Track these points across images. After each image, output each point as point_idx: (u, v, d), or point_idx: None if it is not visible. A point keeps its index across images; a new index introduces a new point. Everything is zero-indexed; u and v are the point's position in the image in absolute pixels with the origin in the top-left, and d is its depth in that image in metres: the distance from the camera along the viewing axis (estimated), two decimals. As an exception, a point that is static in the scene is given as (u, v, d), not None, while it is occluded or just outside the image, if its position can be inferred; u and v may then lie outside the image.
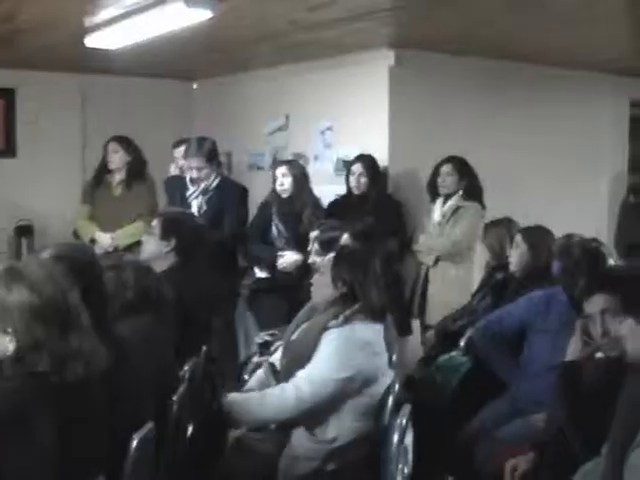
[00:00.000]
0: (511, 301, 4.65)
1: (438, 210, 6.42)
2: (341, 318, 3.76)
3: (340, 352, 3.68)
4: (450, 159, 6.40)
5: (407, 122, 6.85)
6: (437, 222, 6.39)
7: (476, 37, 6.26)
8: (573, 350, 3.53)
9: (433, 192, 6.48)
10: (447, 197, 6.40)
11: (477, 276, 6.06)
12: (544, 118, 7.77)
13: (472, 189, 6.40)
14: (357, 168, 6.50)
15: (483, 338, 4.63)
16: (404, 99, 6.84)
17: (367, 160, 6.51)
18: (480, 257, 6.10)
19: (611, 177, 8.64)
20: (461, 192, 6.37)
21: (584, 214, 8.04)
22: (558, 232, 5.62)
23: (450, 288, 6.18)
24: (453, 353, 4.90)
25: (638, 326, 2.70)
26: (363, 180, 6.46)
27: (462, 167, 6.38)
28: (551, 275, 4.62)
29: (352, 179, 6.50)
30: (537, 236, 5.13)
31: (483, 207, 6.41)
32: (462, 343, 4.91)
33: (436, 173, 6.44)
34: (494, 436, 4.23)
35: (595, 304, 3.06)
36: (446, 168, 6.39)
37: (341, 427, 3.72)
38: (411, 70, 6.80)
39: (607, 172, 8.60)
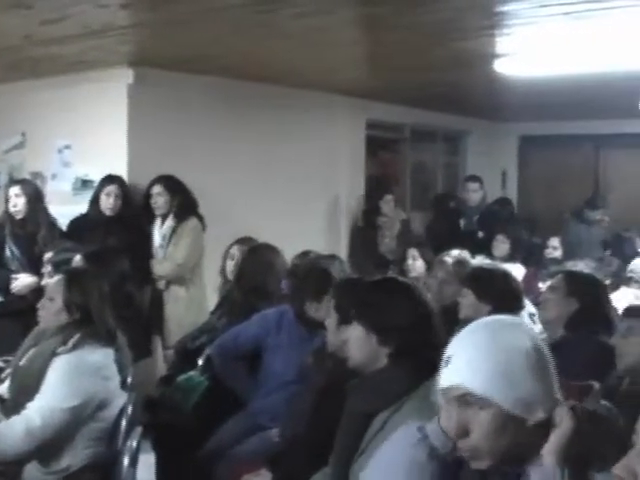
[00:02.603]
0: (246, 318, 4.70)
1: (157, 232, 6.39)
2: (70, 344, 3.66)
3: (70, 379, 3.56)
4: (159, 179, 6.37)
5: (146, 140, 6.78)
6: (159, 245, 6.36)
7: (211, 57, 6.30)
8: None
9: (149, 214, 6.42)
10: (164, 217, 6.37)
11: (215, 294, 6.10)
12: (282, 138, 7.95)
13: (186, 206, 6.39)
14: (113, 189, 6.32)
15: (220, 356, 4.65)
16: (143, 117, 6.78)
17: (122, 180, 6.40)
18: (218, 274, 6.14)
19: (348, 197, 8.93)
20: (175, 210, 6.34)
21: (322, 233, 8.31)
22: (295, 251, 5.80)
23: (185, 308, 6.20)
24: (192, 372, 4.89)
25: (366, 334, 2.79)
26: (119, 202, 6.31)
27: (172, 185, 6.37)
28: (281, 292, 4.75)
29: (106, 200, 6.31)
30: (262, 254, 5.26)
31: (201, 221, 6.42)
32: (200, 362, 4.91)
33: (148, 195, 6.40)
34: (232, 453, 4.26)
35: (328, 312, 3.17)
36: (156, 189, 6.36)
37: (75, 455, 3.61)
38: (150, 88, 6.75)
39: (344, 192, 8.89)
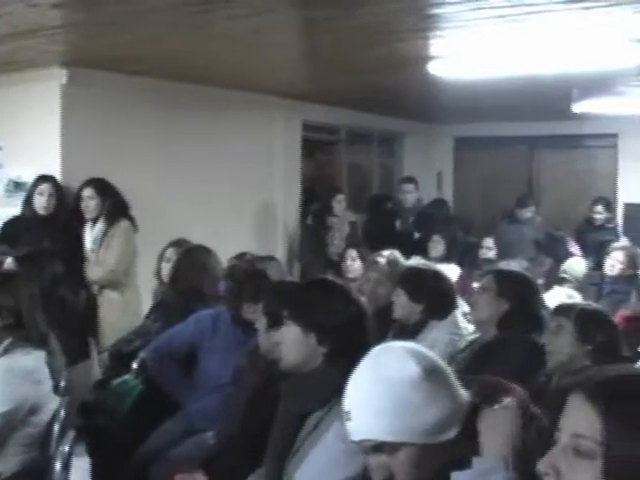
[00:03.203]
0: (182, 321, 4.68)
1: (89, 235, 6.33)
2: (0, 349, 3.61)
3: (2, 385, 3.52)
4: (89, 182, 6.30)
5: (80, 142, 6.69)
6: (90, 249, 6.29)
7: (146, 57, 6.25)
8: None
9: (79, 218, 6.34)
10: (95, 220, 6.32)
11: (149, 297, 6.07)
12: (217, 139, 7.95)
13: (117, 208, 6.33)
14: (46, 188, 6.24)
15: (154, 359, 4.63)
16: (77, 118, 6.69)
17: (55, 180, 6.31)
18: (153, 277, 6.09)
19: (284, 198, 8.94)
20: (106, 213, 6.28)
21: (257, 234, 8.31)
22: (230, 252, 5.80)
23: (119, 312, 6.14)
24: (127, 376, 4.85)
25: (304, 334, 2.79)
26: (52, 201, 6.24)
27: (103, 188, 6.30)
28: (218, 295, 4.74)
29: (40, 199, 6.22)
30: (198, 256, 5.25)
31: (133, 223, 6.36)
32: (135, 365, 4.87)
33: (78, 198, 6.33)
34: (168, 456, 4.24)
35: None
36: (87, 192, 6.29)
37: (6, 461, 3.55)
38: (84, 89, 6.67)
39: (280, 193, 8.89)
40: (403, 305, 4.37)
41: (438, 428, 1.95)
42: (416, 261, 5.53)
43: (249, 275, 4.57)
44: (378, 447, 1.99)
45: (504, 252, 8.46)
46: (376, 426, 1.97)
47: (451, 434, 1.96)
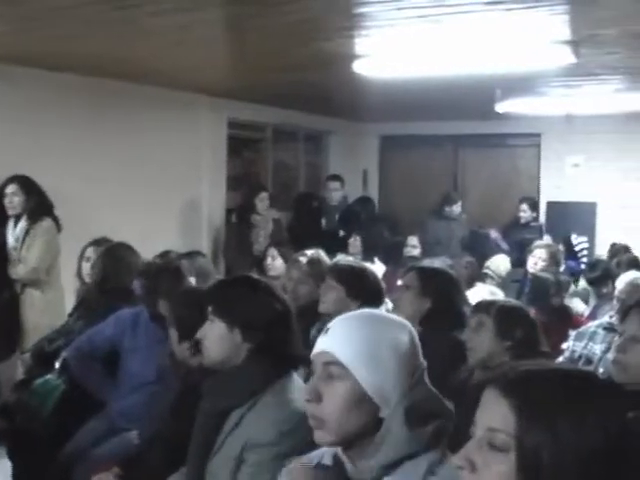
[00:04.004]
0: (104, 320, 4.64)
1: (10, 234, 6.24)
2: None
3: None
4: (14, 178, 6.21)
5: (2, 139, 6.56)
6: (12, 247, 6.20)
7: (69, 54, 6.16)
8: None
9: (2, 215, 6.26)
10: (17, 218, 6.23)
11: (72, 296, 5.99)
12: (142, 137, 7.89)
13: (41, 207, 6.24)
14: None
15: (76, 358, 4.58)
16: (-1, 115, 6.59)
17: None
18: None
19: (210, 196, 8.91)
20: (29, 211, 6.19)
21: (182, 232, 8.28)
22: (156, 251, 5.76)
23: (41, 311, 6.07)
24: (49, 376, 4.79)
25: (229, 330, 2.79)
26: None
27: (28, 185, 6.21)
28: (133, 293, 4.73)
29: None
30: (120, 254, 5.21)
31: (56, 222, 6.28)
32: (57, 365, 4.82)
33: (2, 194, 6.24)
34: (91, 455, 4.21)
35: None
36: (11, 188, 6.20)
37: None
38: (6, 85, 6.54)
39: (206, 191, 8.86)
40: (338, 301, 4.34)
41: (385, 396, 1.96)
42: (343, 258, 5.55)
43: (162, 271, 4.54)
44: (329, 367, 1.99)
45: (430, 250, 8.56)
46: (343, 346, 1.98)
47: (386, 412, 1.97)
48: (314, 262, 5.27)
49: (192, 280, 4.74)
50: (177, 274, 4.43)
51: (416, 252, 8.53)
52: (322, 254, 5.44)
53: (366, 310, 2.21)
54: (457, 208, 9.81)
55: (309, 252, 5.41)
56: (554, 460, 1.37)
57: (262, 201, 8.59)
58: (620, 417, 1.45)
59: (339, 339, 2.01)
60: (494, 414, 1.45)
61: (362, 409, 1.96)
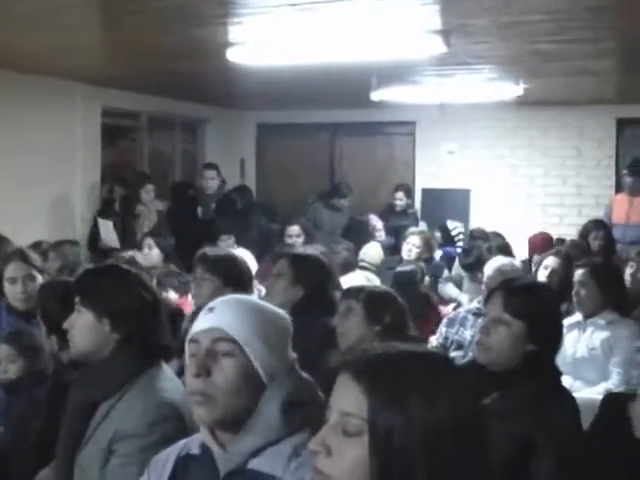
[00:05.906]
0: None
1: None
2: None
3: None
4: None
5: None
6: None
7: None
8: None
9: None
10: None
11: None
12: (14, 125, 7.69)
13: None
14: None
15: None
16: None
17: None
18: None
19: (83, 185, 8.76)
20: None
21: (56, 221, 8.11)
22: (28, 240, 5.63)
23: None
24: None
25: (97, 320, 2.75)
26: None
27: None
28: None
29: None
30: None
31: None
32: None
33: None
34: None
35: None
36: None
37: None
38: None
39: (79, 180, 8.71)
40: (215, 291, 4.21)
41: (272, 374, 1.99)
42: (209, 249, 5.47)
43: (7, 259, 4.44)
44: (216, 344, 1.98)
45: (311, 238, 8.55)
46: (232, 321, 1.99)
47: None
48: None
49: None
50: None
51: (300, 240, 8.43)
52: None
53: (244, 295, 2.23)
54: (345, 203, 9.86)
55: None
56: (405, 441, 1.40)
57: (148, 193, 8.54)
58: (470, 399, 1.49)
59: (229, 317, 2.01)
60: (347, 398, 1.47)
61: (250, 386, 1.97)
